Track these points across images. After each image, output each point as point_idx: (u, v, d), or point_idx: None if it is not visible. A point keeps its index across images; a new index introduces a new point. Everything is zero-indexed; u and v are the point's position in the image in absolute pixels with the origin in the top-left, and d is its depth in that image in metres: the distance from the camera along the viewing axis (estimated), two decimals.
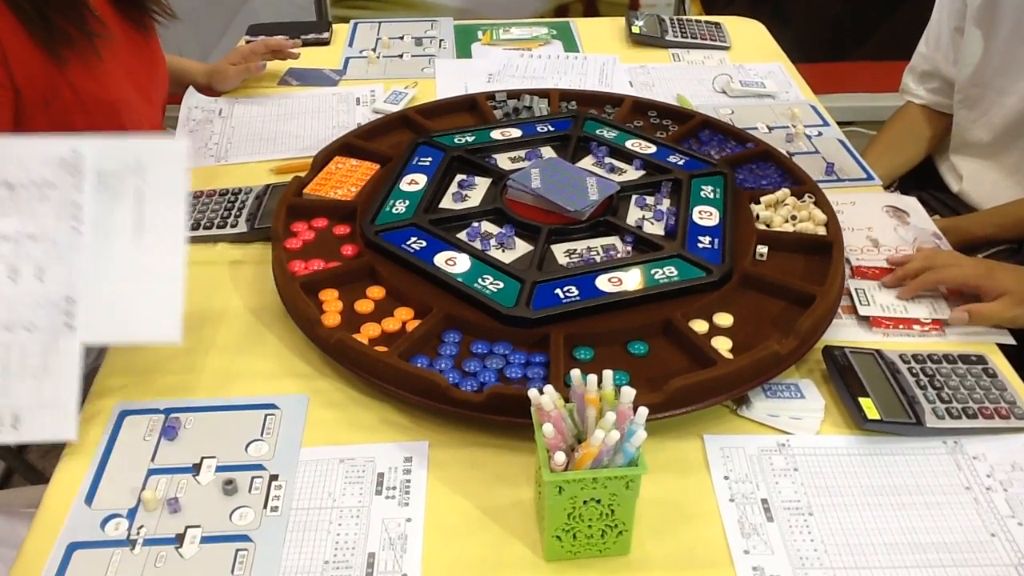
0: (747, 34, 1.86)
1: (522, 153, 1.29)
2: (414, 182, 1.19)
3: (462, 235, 1.10)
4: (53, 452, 1.99)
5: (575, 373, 0.80)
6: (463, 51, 1.77)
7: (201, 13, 2.43)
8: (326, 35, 1.79)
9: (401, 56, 1.73)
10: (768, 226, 1.17)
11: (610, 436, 0.74)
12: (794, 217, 1.17)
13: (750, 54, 1.77)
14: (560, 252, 1.09)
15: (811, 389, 0.98)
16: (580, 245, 1.10)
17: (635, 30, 1.78)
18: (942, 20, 1.59)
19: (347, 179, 1.22)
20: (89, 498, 0.86)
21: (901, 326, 1.07)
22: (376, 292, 1.05)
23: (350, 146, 1.30)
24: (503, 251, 1.08)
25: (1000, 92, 1.48)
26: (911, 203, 1.31)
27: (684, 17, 1.86)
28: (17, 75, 1.17)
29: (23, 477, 1.86)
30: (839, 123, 1.52)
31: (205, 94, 1.59)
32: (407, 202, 1.15)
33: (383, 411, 0.96)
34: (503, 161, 1.27)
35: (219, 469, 0.89)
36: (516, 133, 1.32)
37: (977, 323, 1.06)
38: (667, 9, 2.73)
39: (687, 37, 1.77)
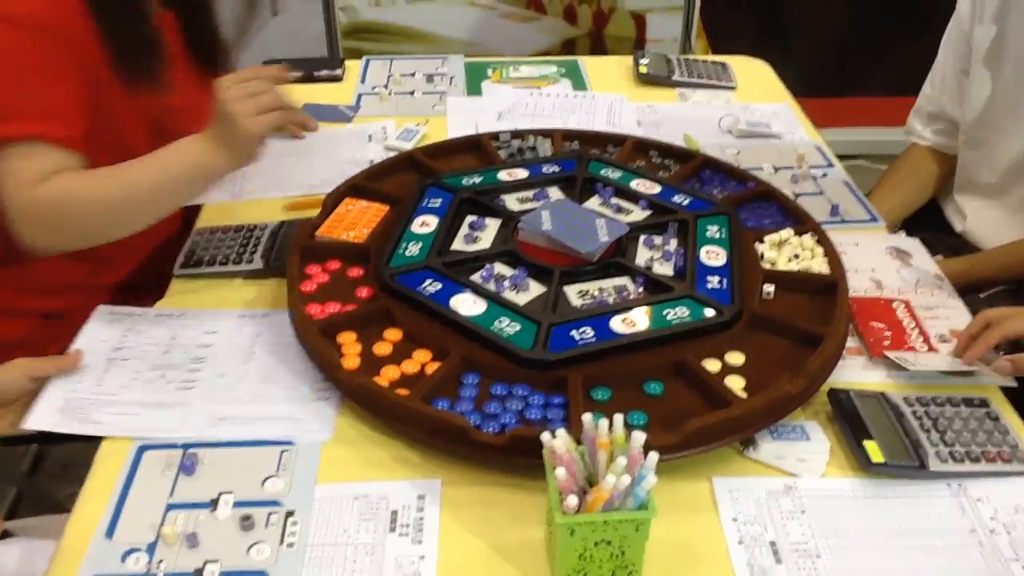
0: (753, 74, 1.89)
1: (530, 194, 1.31)
2: (425, 224, 1.22)
3: (476, 277, 1.12)
4: (63, 477, 2.00)
5: (587, 417, 0.82)
6: (473, 88, 1.80)
7: None
8: (339, 72, 1.82)
9: (412, 93, 1.76)
10: (773, 265, 1.20)
11: (621, 481, 0.76)
12: (796, 256, 1.20)
13: (756, 94, 1.80)
14: (573, 293, 1.11)
15: (816, 431, 1.00)
16: (592, 286, 1.13)
17: (642, 70, 1.81)
18: (947, 62, 1.61)
19: (358, 221, 1.24)
20: (110, 531, 0.88)
21: (901, 347, 1.10)
22: (393, 334, 1.07)
23: (359, 187, 1.33)
24: (517, 292, 1.11)
25: (1004, 133, 1.50)
26: (914, 245, 1.33)
27: (691, 57, 1.89)
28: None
29: (33, 501, 1.87)
30: (844, 156, 1.54)
31: None
32: (420, 244, 1.17)
33: (396, 448, 0.98)
34: (512, 202, 1.29)
35: (236, 505, 0.91)
36: (523, 174, 1.34)
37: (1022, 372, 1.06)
38: (673, 44, 2.76)
39: (693, 77, 1.80)
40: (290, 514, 0.90)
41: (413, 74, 1.84)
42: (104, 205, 1.11)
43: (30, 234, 1.09)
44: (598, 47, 2.77)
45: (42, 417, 1.00)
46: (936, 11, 1.67)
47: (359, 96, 1.75)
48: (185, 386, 1.06)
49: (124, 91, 1.21)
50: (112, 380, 1.06)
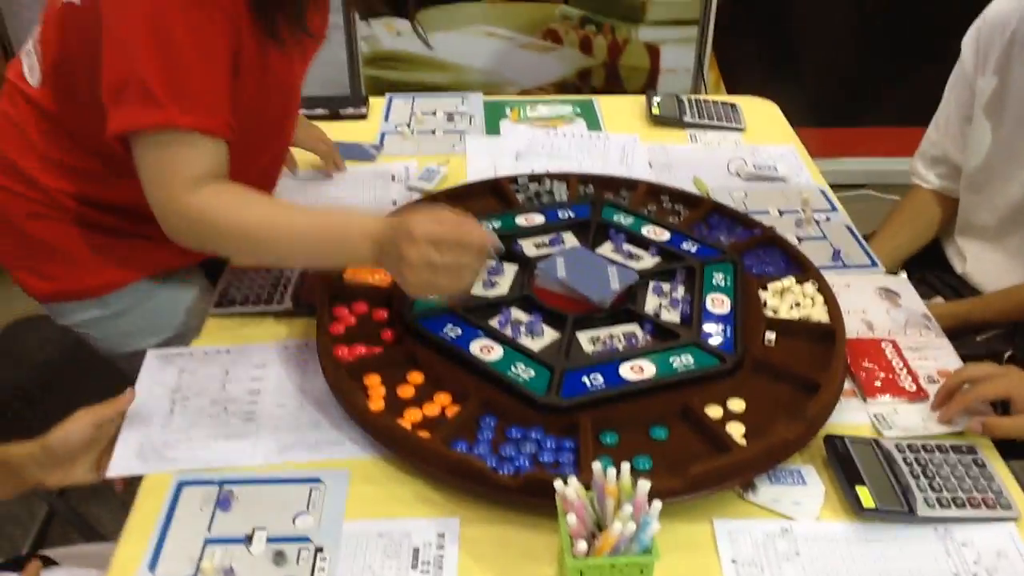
0: (761, 114, 1.95)
1: (546, 239, 1.38)
2: None
3: (494, 321, 1.19)
4: (93, 498, 2.07)
5: (596, 466, 0.89)
6: (492, 125, 1.87)
7: None
8: (363, 110, 1.90)
9: (433, 132, 1.84)
10: (775, 312, 1.26)
11: (627, 527, 0.83)
12: (798, 304, 1.26)
13: (763, 135, 1.86)
14: (585, 339, 1.18)
15: (812, 475, 1.06)
16: (603, 332, 1.19)
17: (655, 111, 1.88)
18: (951, 108, 1.65)
19: None
20: (152, 565, 0.95)
21: (888, 394, 1.16)
22: (416, 377, 1.14)
23: None
24: (532, 338, 1.17)
25: (1005, 179, 1.55)
26: (903, 286, 1.39)
27: (701, 98, 1.95)
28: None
29: (66, 520, 1.95)
30: (852, 186, 1.58)
31: None
32: None
33: (417, 487, 1.05)
34: (528, 247, 1.36)
35: (269, 540, 0.98)
36: (539, 219, 1.41)
37: (992, 435, 1.10)
38: (686, 75, 2.83)
39: (704, 119, 1.87)
40: (319, 550, 0.97)
41: (434, 112, 1.92)
42: (243, 236, 1.14)
43: (171, 232, 1.15)
44: (613, 77, 2.84)
45: (122, 463, 1.07)
46: (947, 39, 1.71)
47: (383, 135, 1.82)
48: (248, 417, 1.14)
49: (257, 58, 1.18)
50: (179, 419, 1.13)
